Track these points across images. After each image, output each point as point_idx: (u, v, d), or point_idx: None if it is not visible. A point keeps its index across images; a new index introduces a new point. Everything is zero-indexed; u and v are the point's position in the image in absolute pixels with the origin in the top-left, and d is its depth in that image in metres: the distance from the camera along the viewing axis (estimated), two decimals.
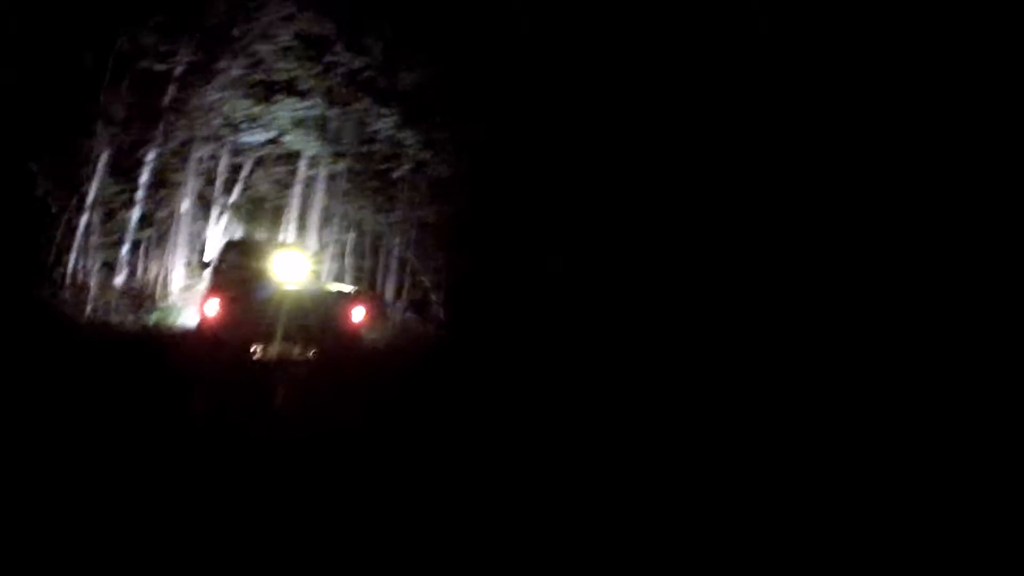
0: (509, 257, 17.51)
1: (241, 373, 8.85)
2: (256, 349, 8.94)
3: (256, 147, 17.40)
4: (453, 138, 18.64)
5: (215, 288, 9.64)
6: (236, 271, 11.17)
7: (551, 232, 17.27)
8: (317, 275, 12.54)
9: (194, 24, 14.71)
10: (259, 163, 18.08)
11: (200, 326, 9.40)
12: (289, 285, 10.12)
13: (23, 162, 13.36)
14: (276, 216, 18.78)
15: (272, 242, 16.83)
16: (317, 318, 9.35)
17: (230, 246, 13.23)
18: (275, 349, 9.02)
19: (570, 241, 16.94)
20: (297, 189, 18.15)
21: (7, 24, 12.56)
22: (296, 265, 11.75)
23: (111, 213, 15.08)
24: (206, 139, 16.21)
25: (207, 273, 12.48)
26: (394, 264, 19.68)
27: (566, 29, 16.58)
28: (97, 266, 14.74)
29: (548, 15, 16.60)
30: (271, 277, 10.86)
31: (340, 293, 10.48)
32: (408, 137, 18.38)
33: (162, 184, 16.26)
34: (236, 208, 17.83)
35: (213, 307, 8.90)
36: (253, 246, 13.76)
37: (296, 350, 9.15)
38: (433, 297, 19.99)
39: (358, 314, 9.83)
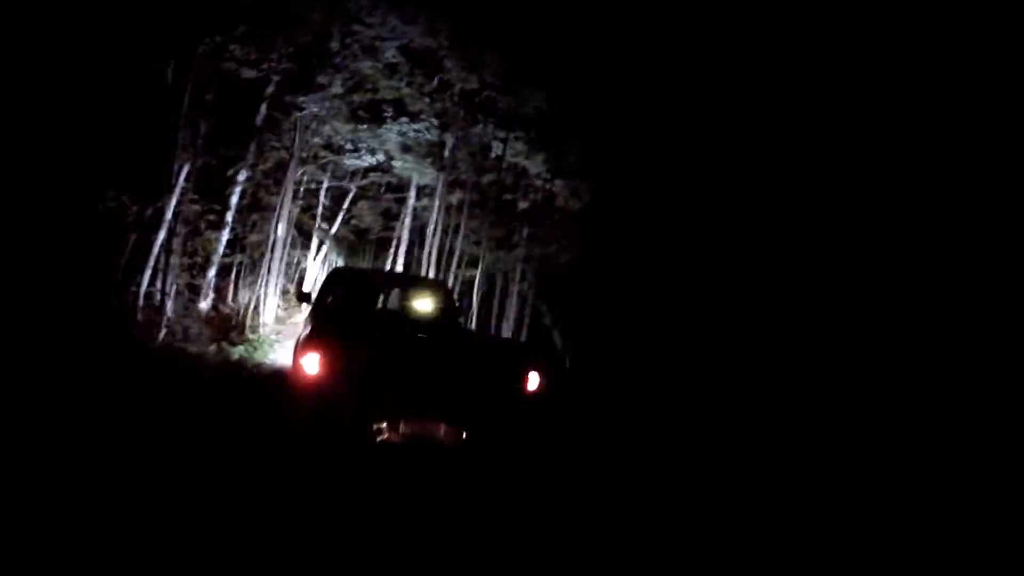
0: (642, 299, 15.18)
1: (357, 460, 6.13)
2: (381, 427, 6.14)
3: (361, 172, 16.09)
4: (584, 168, 16.31)
5: (318, 333, 6.52)
6: (347, 310, 8.59)
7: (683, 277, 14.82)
8: (454, 319, 9.41)
9: (286, 36, 13.62)
10: (364, 190, 16.75)
11: (298, 387, 6.59)
12: (424, 333, 7.41)
13: (98, 170, 12.52)
14: (381, 249, 17.34)
15: (391, 274, 14.89)
16: (473, 384, 6.40)
17: (338, 276, 10.55)
18: (410, 427, 6.21)
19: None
20: (406, 221, 16.59)
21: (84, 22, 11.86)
22: (430, 306, 9.04)
23: (195, 232, 14.21)
24: (304, 161, 15.03)
25: (307, 308, 9.59)
26: (512, 306, 17.43)
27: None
28: (175, 288, 13.81)
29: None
30: (397, 321, 8.37)
31: (507, 347, 7.36)
32: (535, 166, 16.43)
33: (255, 207, 15.32)
34: (337, 239, 16.52)
35: (314, 362, 6.02)
36: (368, 277, 11.56)
37: (442, 430, 6.29)
38: (558, 343, 17.63)
39: (533, 381, 6.60)
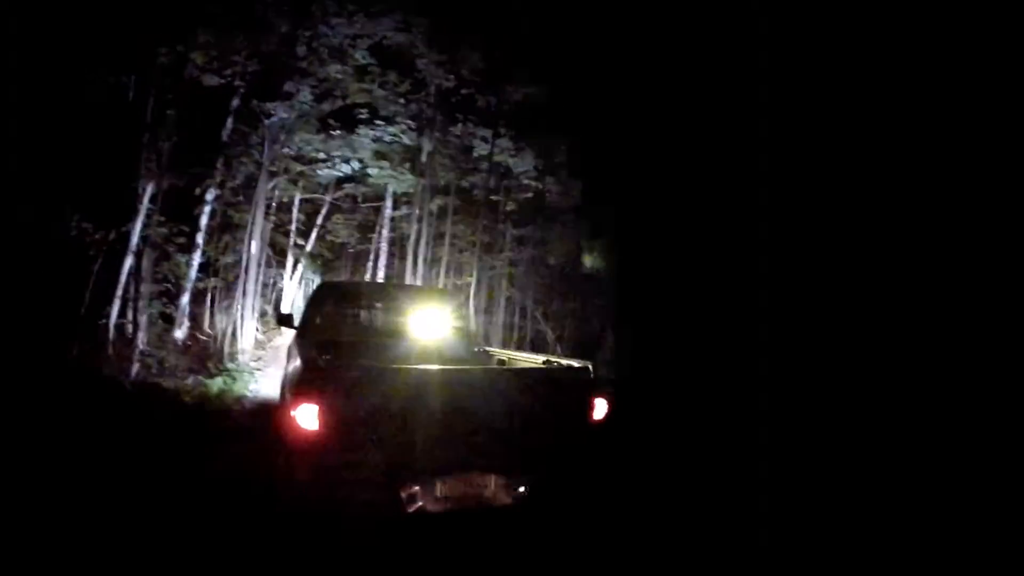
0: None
1: (381, 540, 4.52)
2: (412, 491, 4.43)
3: (334, 184, 15.18)
4: (571, 162, 15.46)
5: (313, 373, 4.54)
6: (344, 336, 7.03)
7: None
8: (465, 335, 7.63)
9: (250, 40, 12.66)
10: (338, 202, 15.84)
11: (292, 448, 4.45)
12: (447, 358, 5.83)
13: (57, 196, 11.40)
14: (359, 264, 16.42)
15: (389, 286, 13.38)
16: (526, 421, 4.69)
17: (327, 292, 8.54)
18: (450, 487, 4.54)
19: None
20: (384, 232, 15.68)
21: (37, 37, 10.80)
22: (440, 322, 7.39)
23: (164, 256, 13.14)
24: (274, 174, 14.06)
25: (290, 333, 7.64)
26: (500, 312, 16.51)
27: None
28: (147, 318, 12.73)
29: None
30: (411, 344, 6.85)
31: (563, 371, 5.43)
32: (523, 164, 15.51)
33: (226, 226, 14.30)
34: (312, 256, 15.57)
35: (312, 415, 4.20)
36: (363, 291, 9.75)
37: (492, 487, 4.63)
38: (558, 350, 16.73)
39: (600, 408, 5.03)
